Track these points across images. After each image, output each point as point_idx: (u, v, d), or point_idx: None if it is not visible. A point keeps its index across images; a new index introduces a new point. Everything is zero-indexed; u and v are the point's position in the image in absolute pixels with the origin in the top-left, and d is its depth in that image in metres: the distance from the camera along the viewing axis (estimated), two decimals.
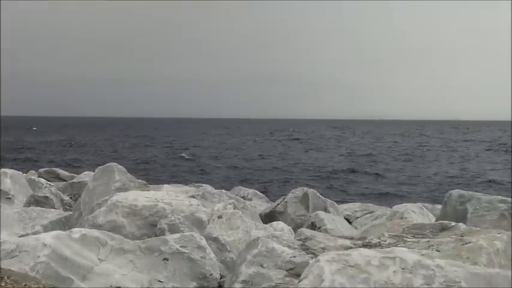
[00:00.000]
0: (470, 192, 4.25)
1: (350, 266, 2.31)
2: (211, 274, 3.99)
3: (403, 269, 2.30)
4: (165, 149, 40.71)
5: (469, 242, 3.19)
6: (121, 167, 6.43)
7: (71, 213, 6.17)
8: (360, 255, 2.37)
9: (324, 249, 3.47)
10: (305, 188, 7.69)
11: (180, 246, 3.99)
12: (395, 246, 3.21)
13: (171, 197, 5.36)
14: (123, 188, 5.98)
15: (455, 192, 4.30)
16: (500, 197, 4.15)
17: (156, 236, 4.57)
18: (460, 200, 4.20)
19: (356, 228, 7.25)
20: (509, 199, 4.08)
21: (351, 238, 3.90)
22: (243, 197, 8.63)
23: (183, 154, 34.27)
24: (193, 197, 5.85)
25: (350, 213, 8.44)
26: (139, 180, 6.51)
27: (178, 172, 25.45)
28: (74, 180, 8.75)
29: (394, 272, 2.28)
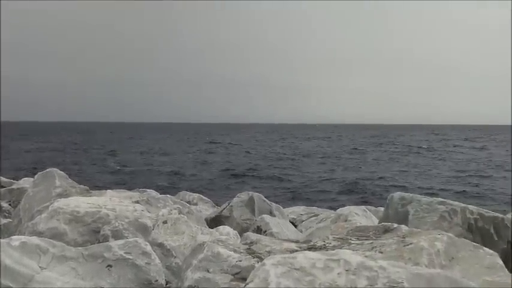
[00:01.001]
0: (411, 195, 4.35)
1: (295, 269, 2.33)
2: (157, 280, 3.94)
3: (347, 270, 2.33)
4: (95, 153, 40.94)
5: (411, 243, 3.27)
6: (62, 172, 6.27)
7: (10, 220, 5.99)
8: (305, 258, 2.39)
9: (269, 252, 3.48)
10: (250, 192, 7.72)
11: (124, 253, 3.92)
12: (340, 248, 3.26)
13: (114, 203, 5.27)
14: (64, 194, 5.85)
15: (397, 194, 4.40)
16: (439, 199, 4.26)
17: (99, 242, 4.48)
18: (402, 202, 4.29)
19: (301, 231, 7.32)
20: (448, 201, 4.20)
21: (297, 241, 3.93)
22: (189, 202, 8.57)
23: (112, 164, 33.96)
24: (137, 202, 5.77)
25: (295, 217, 8.51)
26: (81, 186, 6.37)
27: (111, 178, 25.52)
28: (13, 187, 8.49)
29: (338, 274, 2.31)
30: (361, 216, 6.91)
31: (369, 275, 2.31)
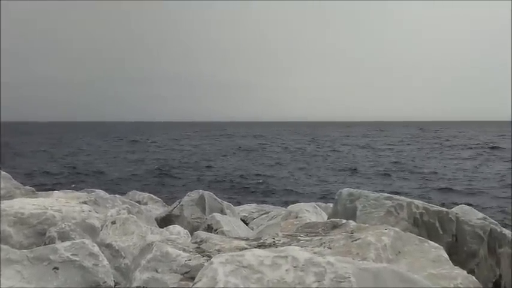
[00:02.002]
0: (359, 191, 4.41)
1: (243, 266, 2.32)
2: (105, 282, 3.88)
3: (295, 267, 2.34)
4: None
5: (359, 239, 3.31)
6: (5, 173, 6.10)
7: None
8: (253, 255, 2.39)
9: (219, 251, 3.47)
10: (201, 191, 7.68)
11: (71, 254, 3.83)
12: (289, 245, 3.27)
13: (61, 204, 5.16)
14: (8, 196, 5.69)
15: (345, 190, 4.45)
16: (386, 194, 4.34)
17: (45, 244, 4.38)
18: (350, 198, 4.34)
19: (252, 229, 7.33)
20: (395, 196, 4.28)
21: (246, 239, 3.93)
22: (138, 202, 8.48)
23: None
24: (85, 203, 5.67)
25: (247, 215, 8.53)
26: (27, 187, 6.22)
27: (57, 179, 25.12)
28: None
29: (286, 270, 2.31)
30: (312, 212, 6.96)
31: (317, 271, 2.33)
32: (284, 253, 2.43)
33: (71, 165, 31.44)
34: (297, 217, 6.76)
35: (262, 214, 8.33)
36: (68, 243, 4.00)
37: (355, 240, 3.31)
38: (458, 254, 4.11)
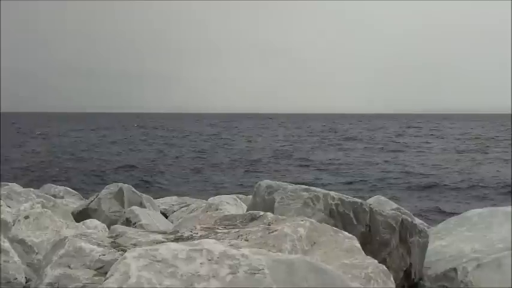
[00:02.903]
0: (277, 183, 4.45)
1: (157, 261, 2.30)
2: (16, 278, 3.76)
3: (209, 260, 2.34)
4: None
5: (275, 230, 3.35)
6: None
7: None
8: (167, 249, 2.37)
9: (135, 245, 3.42)
10: (120, 184, 7.54)
11: None
12: (207, 238, 3.27)
13: None
14: None
15: (264, 182, 4.49)
16: (304, 186, 4.40)
17: None
18: (268, 190, 4.38)
19: (172, 222, 7.29)
20: (312, 188, 4.36)
21: (164, 232, 3.89)
22: (54, 195, 8.23)
23: None
24: None
25: (167, 207, 8.47)
26: None
27: None
28: None
29: (201, 263, 2.31)
30: (232, 205, 7.02)
31: (231, 263, 2.34)
32: (199, 246, 2.43)
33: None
34: (217, 209, 6.78)
35: (182, 207, 8.29)
36: None
37: (272, 232, 3.35)
38: (372, 244, 4.23)
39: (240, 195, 8.26)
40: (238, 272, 2.31)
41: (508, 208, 5.94)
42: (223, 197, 7.30)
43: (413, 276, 4.54)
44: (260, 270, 2.33)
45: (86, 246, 3.26)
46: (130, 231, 3.92)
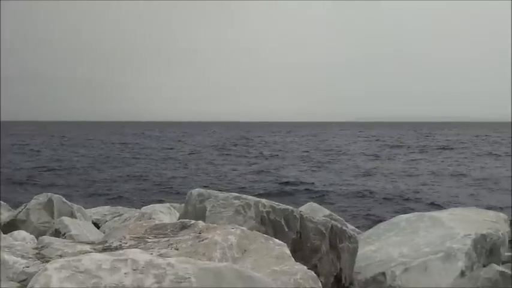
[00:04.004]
0: (209, 191, 4.44)
1: (80, 272, 2.24)
2: None
3: (134, 270, 2.31)
4: None
5: (206, 239, 3.34)
6: None
7: None
8: (90, 260, 2.31)
9: (61, 256, 3.33)
10: (49, 194, 7.32)
11: None
12: (136, 247, 3.22)
13: None
14: None
15: (195, 191, 4.47)
16: (235, 194, 4.41)
17: None
18: (200, 198, 4.37)
19: (104, 232, 7.13)
20: (243, 195, 4.37)
21: (92, 243, 3.81)
22: None
23: None
24: None
25: (99, 217, 8.29)
26: None
27: None
28: None
29: (125, 274, 2.27)
30: (166, 213, 6.94)
31: (157, 273, 2.31)
32: (123, 256, 2.39)
33: None
34: (150, 218, 6.69)
35: (115, 216, 8.14)
36: None
37: (202, 240, 3.34)
38: (303, 250, 4.28)
39: (175, 204, 8.19)
40: (164, 281, 2.28)
41: (434, 213, 6.15)
42: (157, 206, 7.21)
43: (343, 281, 4.62)
44: (186, 278, 2.31)
45: (9, 258, 3.15)
46: (57, 242, 3.82)
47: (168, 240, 3.47)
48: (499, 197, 18.77)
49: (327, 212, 7.59)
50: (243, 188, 21.45)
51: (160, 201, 10.71)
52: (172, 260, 2.43)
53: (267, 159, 37.04)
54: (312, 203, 8.15)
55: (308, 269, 3.30)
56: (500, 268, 4.59)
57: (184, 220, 3.91)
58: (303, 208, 7.61)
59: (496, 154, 38.68)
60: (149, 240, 3.54)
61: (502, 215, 6.15)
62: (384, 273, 4.80)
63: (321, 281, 4.32)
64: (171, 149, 47.81)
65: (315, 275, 3.18)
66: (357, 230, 7.40)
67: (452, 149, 44.99)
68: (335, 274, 4.51)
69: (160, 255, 2.95)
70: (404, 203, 17.85)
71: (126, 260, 2.35)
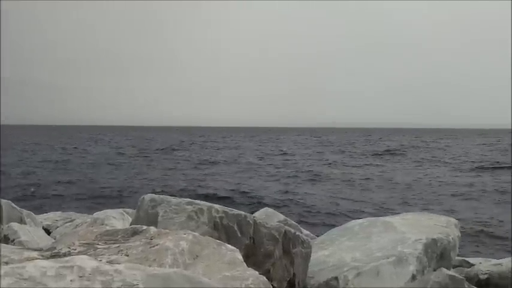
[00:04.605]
0: (161, 196, 4.40)
1: (24, 279, 2.18)
2: None
3: (80, 277, 2.26)
4: None
5: (157, 245, 3.31)
6: None
7: None
8: (34, 267, 2.26)
9: (7, 263, 3.24)
10: None
11: None
12: (85, 254, 3.16)
13: None
14: None
15: (148, 196, 4.42)
16: (188, 199, 4.38)
17: None
18: (152, 204, 4.32)
19: (55, 238, 6.99)
20: (196, 201, 4.34)
21: (40, 249, 3.72)
22: None
23: None
24: None
25: (50, 223, 8.13)
26: None
27: None
28: None
29: (71, 280, 2.22)
30: (118, 219, 6.86)
31: (104, 279, 2.27)
32: (70, 263, 2.34)
33: None
34: (103, 224, 6.60)
35: (67, 222, 7.99)
36: None
37: (153, 246, 3.30)
38: (256, 255, 4.28)
39: (128, 210, 8.09)
40: (112, 287, 2.24)
41: (387, 218, 6.25)
42: (109, 212, 7.11)
43: (297, 286, 4.64)
44: (134, 285, 2.28)
45: None
46: (4, 248, 3.71)
47: (119, 246, 3.42)
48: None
49: (282, 217, 7.62)
50: (193, 190, 21.46)
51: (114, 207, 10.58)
52: (120, 267, 2.39)
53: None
54: (267, 208, 8.18)
55: (261, 274, 3.30)
56: (450, 272, 4.68)
57: (135, 226, 3.86)
58: (258, 213, 7.64)
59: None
60: (99, 246, 3.48)
61: (452, 219, 6.28)
62: (336, 278, 4.84)
63: (274, 286, 4.35)
64: (122, 154, 47.40)
65: (266, 280, 3.18)
66: (311, 235, 7.44)
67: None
68: (288, 279, 4.52)
69: (110, 262, 2.91)
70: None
71: (72, 266, 2.31)
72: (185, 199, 4.35)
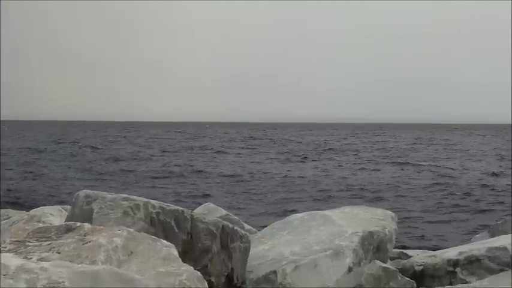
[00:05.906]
0: (96, 192, 4.33)
1: None
2: None
3: (4, 275, 2.20)
4: None
5: (90, 241, 3.25)
6: None
7: None
8: None
9: None
10: None
11: None
12: (15, 252, 3.08)
13: None
14: None
15: (82, 192, 4.34)
16: (124, 195, 4.32)
17: None
18: (87, 200, 4.24)
19: None
20: (132, 196, 4.29)
21: None
22: None
23: None
24: None
25: None
26: None
27: None
28: None
29: None
30: (56, 216, 6.70)
31: (28, 278, 2.22)
32: None
33: None
34: (40, 221, 6.43)
35: (4, 219, 7.73)
36: None
37: (86, 243, 3.25)
38: (193, 251, 4.27)
39: (66, 206, 7.90)
40: (36, 286, 2.20)
41: (326, 212, 6.34)
42: (47, 208, 6.93)
43: (235, 281, 4.66)
44: (60, 283, 2.24)
45: None
46: None
47: (51, 243, 3.35)
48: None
49: (224, 212, 7.62)
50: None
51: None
52: (46, 264, 2.35)
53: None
54: (209, 203, 8.16)
55: (199, 269, 3.30)
56: (383, 264, 4.79)
57: (69, 223, 3.79)
58: (199, 209, 7.61)
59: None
60: (30, 244, 3.40)
61: (389, 212, 6.41)
62: (275, 272, 4.88)
63: (212, 281, 4.35)
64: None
65: (201, 275, 3.19)
66: (252, 229, 7.47)
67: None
68: (226, 274, 4.53)
69: (41, 260, 2.84)
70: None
71: None
72: (121, 195, 4.29)
